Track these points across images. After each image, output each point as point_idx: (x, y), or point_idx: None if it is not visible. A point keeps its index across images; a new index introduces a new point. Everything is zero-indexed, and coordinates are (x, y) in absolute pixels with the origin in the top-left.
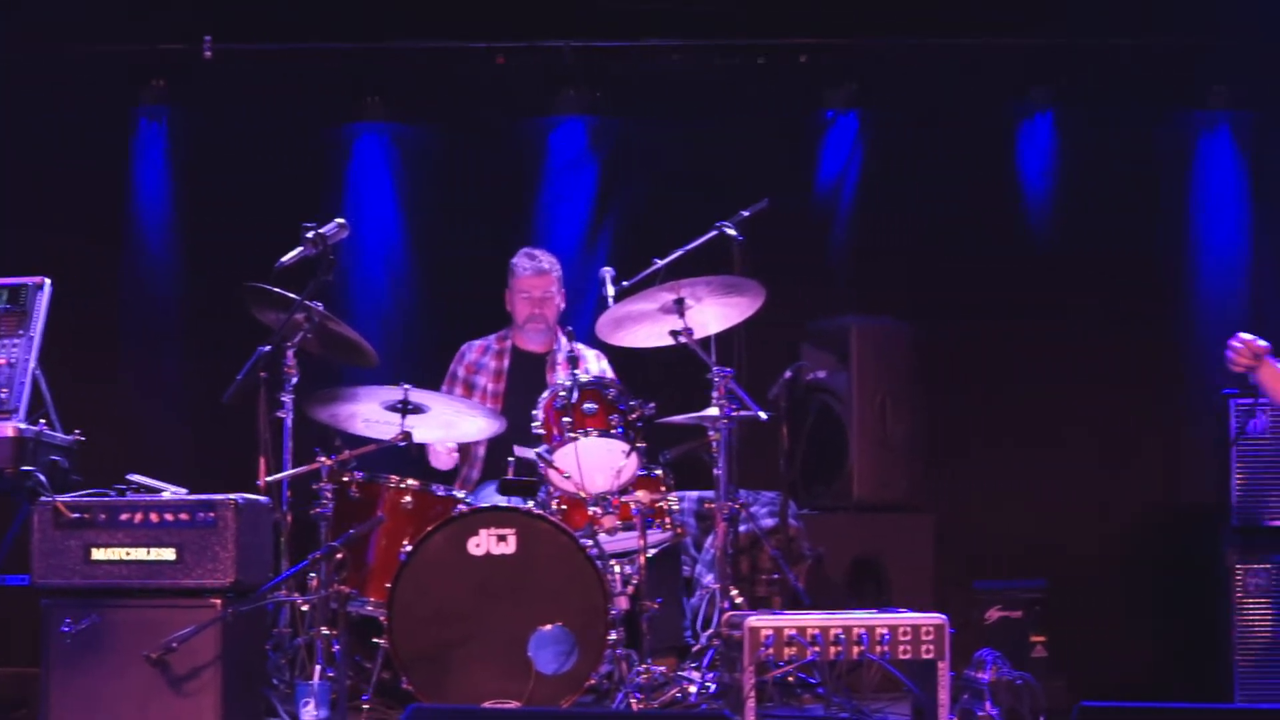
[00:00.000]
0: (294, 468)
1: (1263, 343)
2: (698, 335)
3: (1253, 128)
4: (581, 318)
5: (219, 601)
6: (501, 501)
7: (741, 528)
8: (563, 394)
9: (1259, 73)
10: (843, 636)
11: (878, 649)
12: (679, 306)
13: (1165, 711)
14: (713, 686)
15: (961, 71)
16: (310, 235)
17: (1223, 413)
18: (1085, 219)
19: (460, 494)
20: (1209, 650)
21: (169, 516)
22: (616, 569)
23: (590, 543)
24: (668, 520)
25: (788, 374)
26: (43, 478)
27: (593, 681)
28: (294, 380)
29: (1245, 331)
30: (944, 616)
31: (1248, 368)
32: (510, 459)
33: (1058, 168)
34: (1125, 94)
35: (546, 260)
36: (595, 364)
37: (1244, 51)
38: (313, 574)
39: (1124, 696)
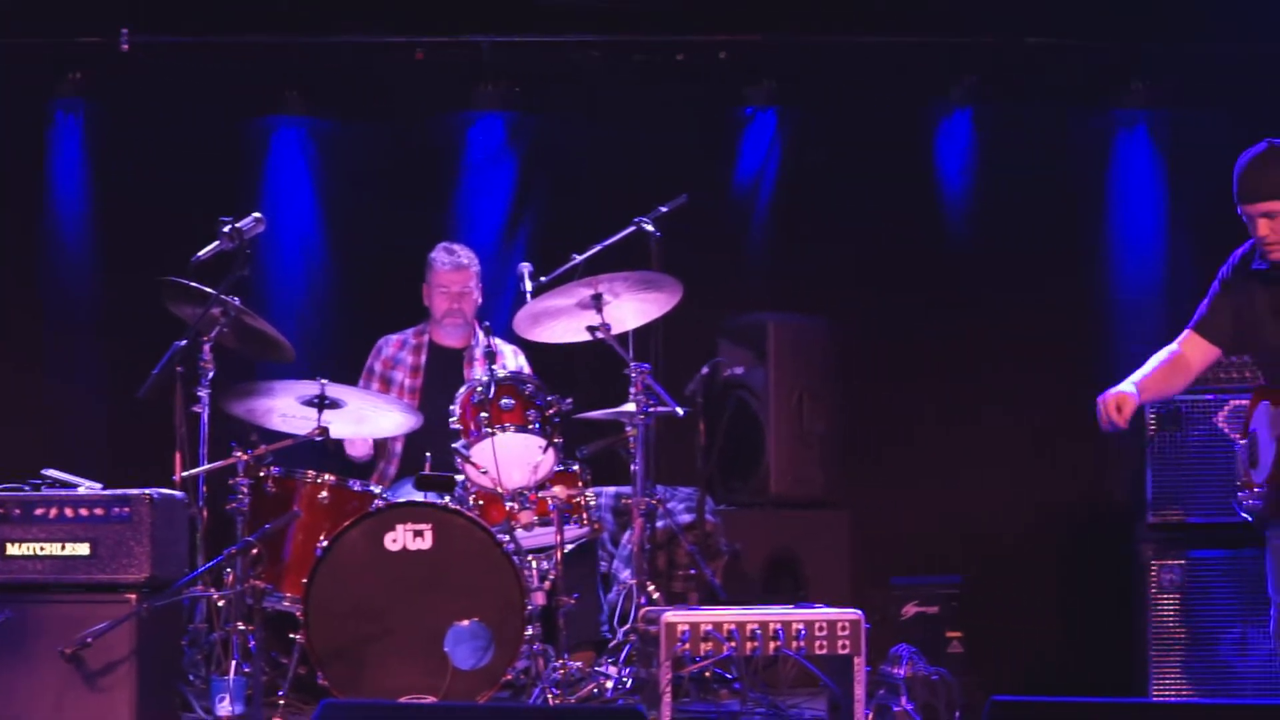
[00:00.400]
0: (210, 463)
1: (1114, 397)
2: (615, 331)
3: (1170, 126)
4: (499, 313)
5: (134, 597)
6: (418, 497)
7: (658, 523)
8: (480, 389)
9: (1176, 71)
10: (759, 632)
11: (794, 644)
12: (596, 302)
13: (1076, 706)
14: (629, 682)
15: (880, 69)
16: (227, 230)
17: (1139, 409)
18: (1004, 216)
19: (377, 489)
20: (1124, 646)
21: (84, 511)
22: (533, 564)
23: (507, 538)
24: (585, 516)
25: (705, 370)
26: None
27: (509, 677)
28: (210, 375)
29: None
30: (860, 612)
31: (1125, 417)
32: (427, 454)
33: (976, 165)
34: (1043, 92)
35: (465, 255)
36: (513, 359)
37: (1161, 50)
38: (228, 569)
39: (1040, 691)
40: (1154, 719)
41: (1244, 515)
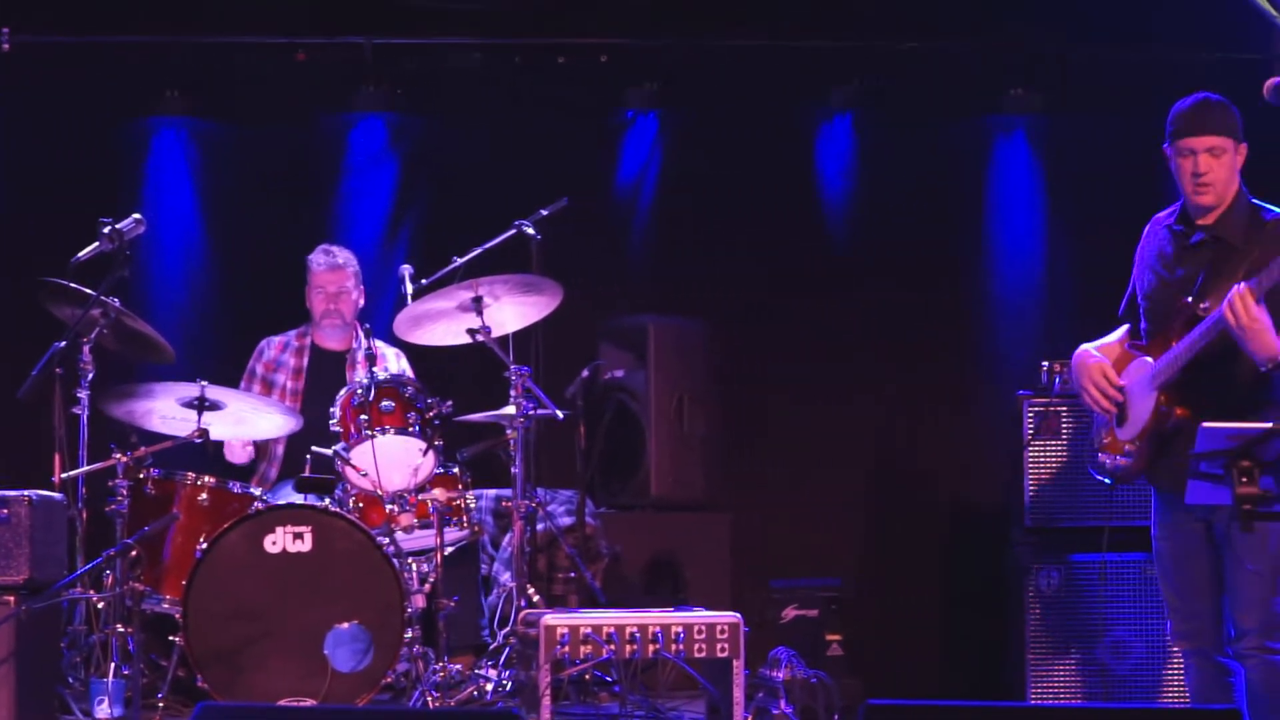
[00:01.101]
0: (89, 464)
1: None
2: (496, 334)
3: (1047, 131)
4: (381, 315)
5: (13, 599)
6: (298, 499)
7: (539, 526)
8: (360, 392)
9: (1054, 77)
10: (638, 635)
11: (673, 647)
12: (477, 305)
13: (949, 709)
14: (509, 684)
15: (762, 73)
16: (107, 231)
17: (1017, 414)
18: (884, 219)
19: (257, 491)
20: (1003, 649)
21: None
22: (413, 567)
23: (387, 540)
24: (465, 518)
25: (585, 373)
26: None
27: (389, 679)
28: (90, 376)
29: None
30: (739, 615)
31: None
32: (308, 456)
33: (857, 169)
34: (924, 98)
35: (342, 255)
36: (395, 362)
37: (1040, 57)
38: (108, 571)
39: (919, 694)
40: None
41: (1104, 478)
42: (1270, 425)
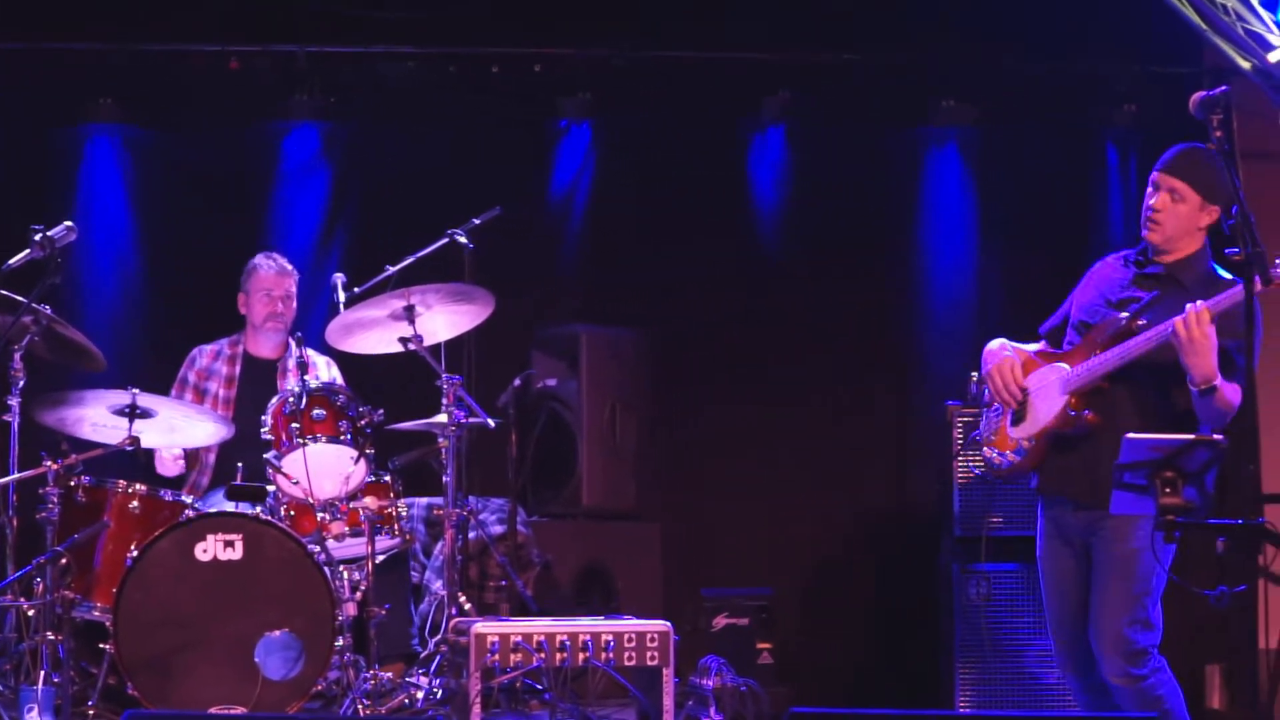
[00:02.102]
0: (19, 472)
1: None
2: (428, 342)
3: (979, 143)
4: (313, 324)
5: None
6: (229, 507)
7: (470, 534)
8: (291, 400)
9: (986, 90)
10: (568, 643)
11: (603, 655)
12: (409, 313)
13: (872, 717)
14: (440, 692)
15: (695, 83)
16: (38, 238)
17: (946, 423)
18: (817, 231)
19: (188, 499)
20: (932, 657)
21: None
22: (345, 575)
23: (318, 549)
24: (396, 526)
25: (517, 382)
26: None
27: (320, 687)
28: (21, 383)
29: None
30: (669, 623)
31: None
32: (239, 465)
33: (790, 179)
34: (855, 109)
35: (287, 263)
36: (326, 370)
37: (972, 69)
38: (38, 579)
39: (849, 703)
40: None
41: (984, 473)
42: (1193, 436)
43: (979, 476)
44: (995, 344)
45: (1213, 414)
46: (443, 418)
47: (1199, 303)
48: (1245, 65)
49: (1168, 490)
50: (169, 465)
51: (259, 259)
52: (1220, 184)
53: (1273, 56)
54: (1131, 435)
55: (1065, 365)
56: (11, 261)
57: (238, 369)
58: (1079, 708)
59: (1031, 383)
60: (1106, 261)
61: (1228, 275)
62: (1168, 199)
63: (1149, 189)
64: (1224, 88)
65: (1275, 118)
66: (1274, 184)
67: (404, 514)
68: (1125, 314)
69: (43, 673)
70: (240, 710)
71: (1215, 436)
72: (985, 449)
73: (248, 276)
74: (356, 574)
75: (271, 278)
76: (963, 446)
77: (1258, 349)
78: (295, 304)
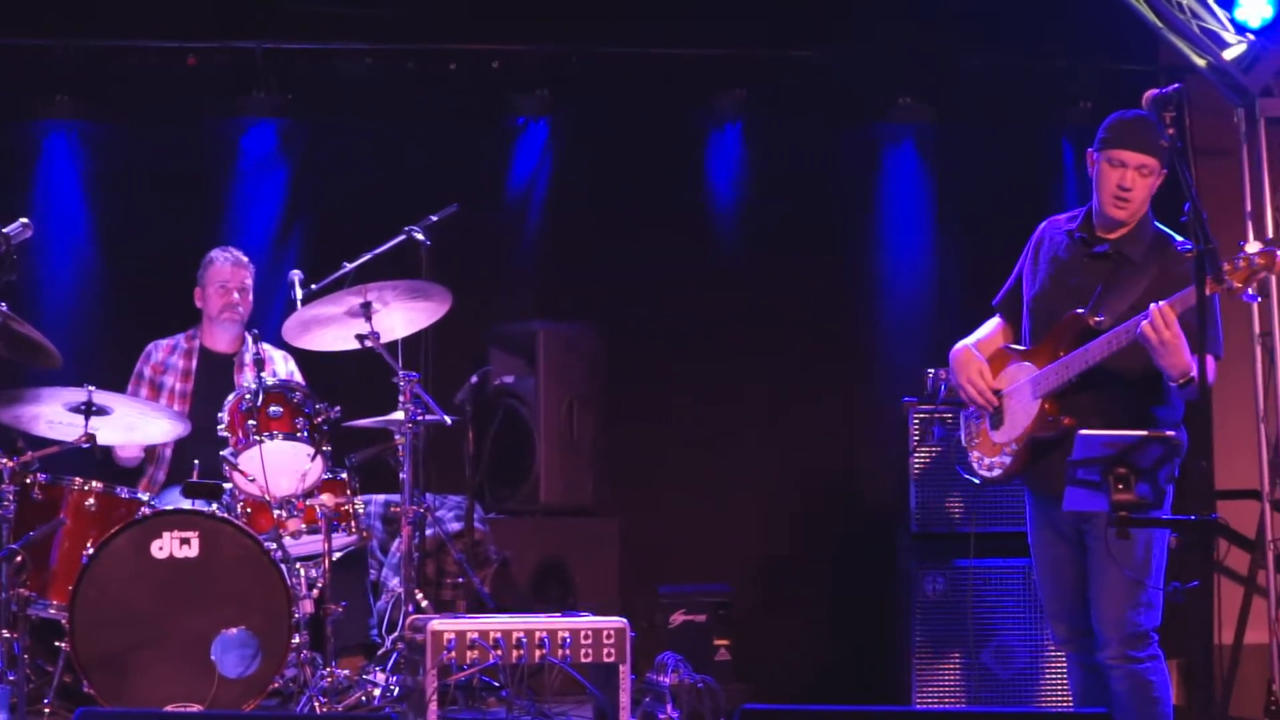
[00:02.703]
0: None
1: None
2: (385, 339)
3: (936, 140)
4: (271, 320)
5: None
6: (186, 504)
7: (427, 531)
8: (248, 397)
9: (943, 87)
10: (524, 640)
11: (559, 652)
12: (365, 310)
13: (824, 713)
14: (397, 689)
15: (653, 80)
16: None
17: (903, 420)
18: (774, 227)
19: (144, 496)
20: (889, 654)
21: None
22: (301, 572)
23: (274, 546)
24: (353, 524)
25: (474, 378)
26: None
27: (277, 685)
28: None
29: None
30: (625, 620)
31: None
32: (195, 462)
33: (747, 177)
34: (812, 106)
35: (243, 256)
36: (283, 366)
37: (929, 66)
38: None
39: (806, 699)
40: None
41: (972, 478)
42: (1145, 432)
43: (934, 472)
44: (960, 350)
45: (1194, 394)
46: (399, 415)
47: (1162, 304)
48: (1201, 63)
49: (1120, 486)
50: (128, 451)
51: (215, 252)
52: (1162, 142)
53: (1228, 54)
54: (1084, 431)
55: (1030, 364)
56: None
57: (194, 363)
58: (1072, 684)
59: (1004, 383)
60: (1055, 226)
61: (1174, 234)
62: (1137, 176)
63: (1109, 166)
64: (1176, 85)
65: (1230, 115)
66: (1230, 181)
67: (361, 511)
68: (1083, 309)
69: None
70: (197, 708)
71: (1168, 433)
72: (971, 454)
73: (204, 270)
74: (313, 571)
75: (227, 270)
76: (919, 442)
77: (1220, 338)
78: (251, 297)
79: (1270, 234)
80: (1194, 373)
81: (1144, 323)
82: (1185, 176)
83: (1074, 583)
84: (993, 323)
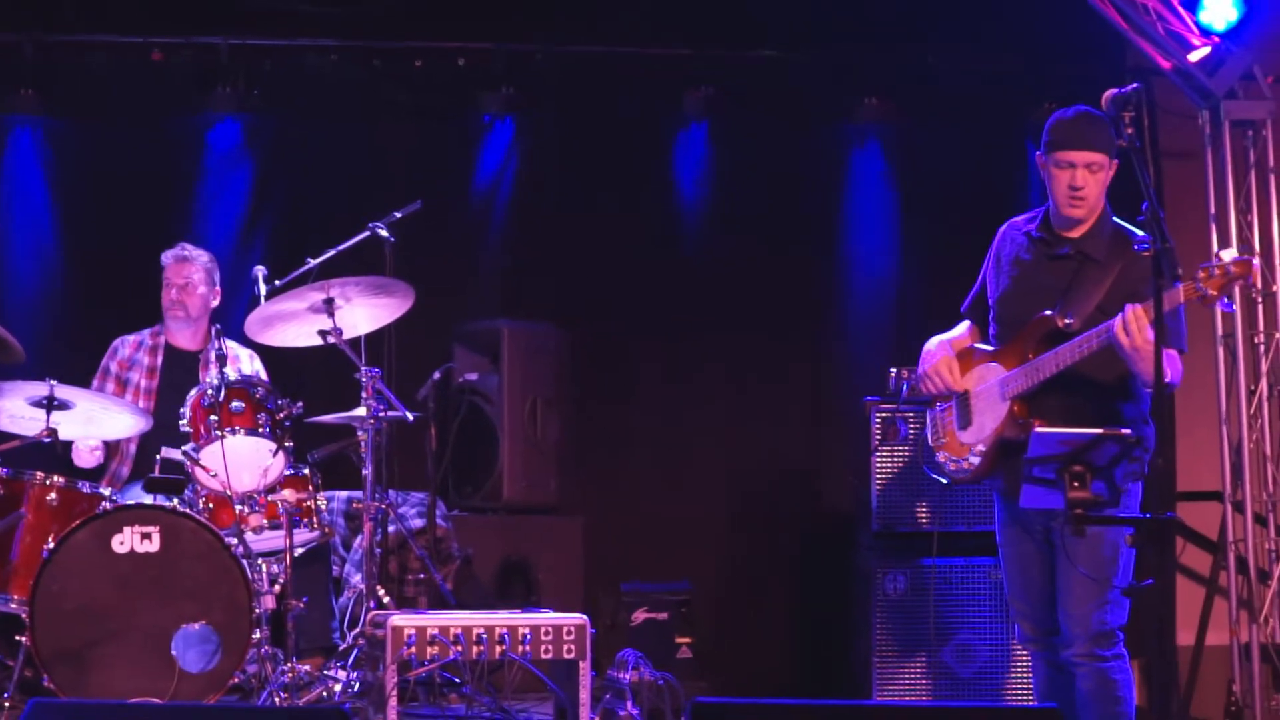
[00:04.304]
0: None
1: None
2: (347, 335)
3: (901, 140)
4: (235, 316)
5: None
6: (147, 499)
7: (390, 528)
8: (210, 392)
9: (909, 87)
10: (485, 636)
11: (520, 649)
12: (328, 306)
13: (775, 707)
14: (358, 685)
15: (619, 79)
16: None
17: (865, 419)
18: (739, 226)
19: (106, 491)
20: (851, 653)
21: None
22: (263, 568)
23: (236, 541)
24: (315, 520)
25: (437, 375)
26: None
27: (237, 680)
28: None
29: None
30: (585, 617)
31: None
32: (158, 457)
33: (713, 176)
34: (779, 106)
35: (191, 251)
36: (249, 363)
37: (895, 66)
38: None
39: (767, 696)
40: (844, 718)
41: (940, 478)
42: (1101, 430)
43: (896, 471)
44: (933, 343)
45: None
46: (362, 411)
47: (1136, 305)
48: (1166, 65)
49: (1076, 484)
50: (86, 457)
51: (167, 251)
52: (1113, 135)
53: (1194, 56)
54: (1040, 429)
55: (999, 365)
56: None
57: (159, 360)
58: (1035, 681)
59: (971, 383)
60: (1014, 228)
61: (1133, 229)
62: (1087, 174)
63: (1057, 169)
64: (1136, 85)
65: (1196, 118)
66: (1195, 183)
67: (323, 507)
68: (1051, 311)
69: None
70: (157, 703)
71: (1124, 431)
72: (939, 454)
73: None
74: (275, 567)
75: (171, 267)
76: (880, 441)
77: (1184, 332)
78: (206, 291)
79: (1233, 236)
80: (1169, 378)
81: (1116, 325)
82: (1144, 176)
83: (1041, 581)
84: (963, 326)
